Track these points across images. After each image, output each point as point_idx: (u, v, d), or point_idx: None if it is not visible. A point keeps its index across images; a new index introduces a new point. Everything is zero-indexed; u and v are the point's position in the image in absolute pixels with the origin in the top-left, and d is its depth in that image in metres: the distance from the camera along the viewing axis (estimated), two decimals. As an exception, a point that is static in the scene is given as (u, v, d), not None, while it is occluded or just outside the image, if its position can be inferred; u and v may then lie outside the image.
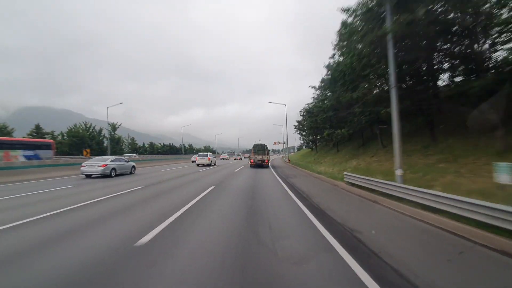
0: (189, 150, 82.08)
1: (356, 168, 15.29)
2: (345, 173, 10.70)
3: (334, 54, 20.80)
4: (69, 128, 48.72)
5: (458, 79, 11.55)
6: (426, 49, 10.36)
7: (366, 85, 14.70)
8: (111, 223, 5.23)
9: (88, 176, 15.16)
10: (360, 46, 10.72)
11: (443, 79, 12.40)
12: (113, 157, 16.78)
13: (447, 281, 2.79)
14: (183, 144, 72.32)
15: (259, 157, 23.77)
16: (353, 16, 9.99)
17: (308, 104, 35.27)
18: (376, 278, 2.80)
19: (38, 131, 42.04)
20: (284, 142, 61.31)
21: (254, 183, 11.69)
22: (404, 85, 12.56)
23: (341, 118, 22.00)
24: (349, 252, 3.50)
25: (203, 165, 27.70)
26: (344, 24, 11.73)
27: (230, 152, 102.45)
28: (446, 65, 11.61)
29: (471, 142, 9.68)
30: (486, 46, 9.66)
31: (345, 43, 12.31)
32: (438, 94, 11.95)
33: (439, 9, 8.88)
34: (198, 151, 77.20)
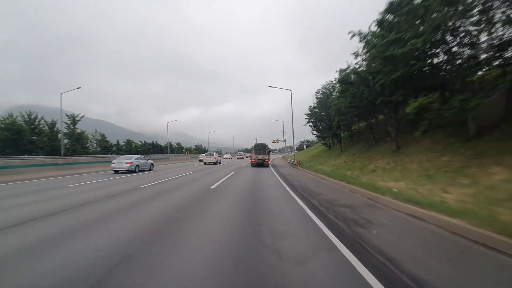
0: (177, 150, 73.00)
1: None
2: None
3: None
4: (2, 118, 36.05)
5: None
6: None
7: None
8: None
9: (116, 171, 17.30)
10: None
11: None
12: (137, 156, 19.81)
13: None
14: (170, 143, 65.26)
15: (260, 157, 24.49)
16: None
17: (341, 71, 19.32)
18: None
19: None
20: (285, 140, 58.41)
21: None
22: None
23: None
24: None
25: (209, 163, 29.83)
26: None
27: (227, 153, 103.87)
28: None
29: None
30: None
31: None
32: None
33: None
34: (188, 150, 73.88)
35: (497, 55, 8.76)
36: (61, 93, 29.63)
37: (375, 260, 3.20)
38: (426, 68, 11.29)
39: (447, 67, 10.80)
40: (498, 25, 8.48)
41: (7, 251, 3.45)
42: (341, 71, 19.16)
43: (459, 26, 9.27)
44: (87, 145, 46.78)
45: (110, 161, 18.74)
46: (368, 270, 2.95)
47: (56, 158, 22.51)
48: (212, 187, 9.51)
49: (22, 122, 37.14)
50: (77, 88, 32.42)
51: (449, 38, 9.96)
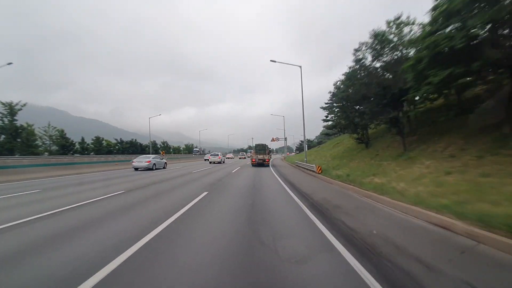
0: (164, 149, 65.82)
1: None
2: None
3: None
4: None
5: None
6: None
7: None
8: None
9: (136, 169, 20.49)
10: None
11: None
12: (153, 156, 22.99)
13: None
14: (153, 141, 60.13)
15: (260, 156, 25.47)
16: None
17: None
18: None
19: None
20: (286, 139, 54.72)
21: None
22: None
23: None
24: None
25: (215, 162, 33.09)
26: None
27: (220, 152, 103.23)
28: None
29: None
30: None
31: None
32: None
33: None
34: (175, 150, 69.50)
35: None
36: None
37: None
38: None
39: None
40: None
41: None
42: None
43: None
44: (36, 142, 38.06)
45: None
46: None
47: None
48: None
49: None
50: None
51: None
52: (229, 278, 2.80)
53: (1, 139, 32.60)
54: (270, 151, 29.93)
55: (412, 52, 12.77)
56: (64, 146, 41.49)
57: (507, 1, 7.34)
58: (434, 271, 3.01)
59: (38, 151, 36.74)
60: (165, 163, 23.52)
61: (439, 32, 9.16)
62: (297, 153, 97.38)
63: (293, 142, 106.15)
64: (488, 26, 8.25)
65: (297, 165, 23.45)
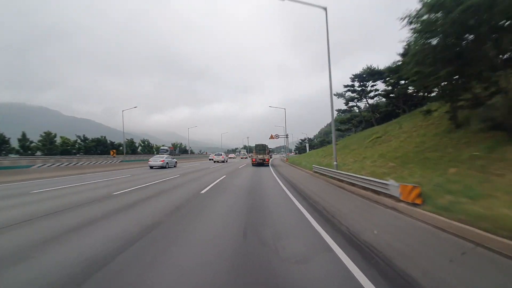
0: (146, 149, 60.69)
1: None
2: None
3: None
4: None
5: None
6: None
7: None
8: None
9: (151, 167, 23.47)
10: None
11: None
12: (166, 156, 26.54)
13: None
14: (130, 140, 55.69)
15: (260, 156, 26.84)
16: None
17: None
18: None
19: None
20: (287, 136, 42.84)
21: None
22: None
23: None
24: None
25: (218, 161, 37.14)
26: None
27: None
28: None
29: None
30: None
31: None
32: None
33: None
34: (158, 149, 63.18)
35: None
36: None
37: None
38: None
39: None
40: None
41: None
42: None
43: None
44: None
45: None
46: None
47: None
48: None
49: None
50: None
51: None
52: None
53: None
54: (270, 151, 31.82)
55: None
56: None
57: None
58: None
59: None
60: (176, 162, 27.29)
61: None
62: (297, 153, 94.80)
63: (291, 140, 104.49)
64: None
65: (315, 172, 15.57)
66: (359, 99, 42.51)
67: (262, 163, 26.45)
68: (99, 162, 22.60)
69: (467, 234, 4.06)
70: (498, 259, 3.38)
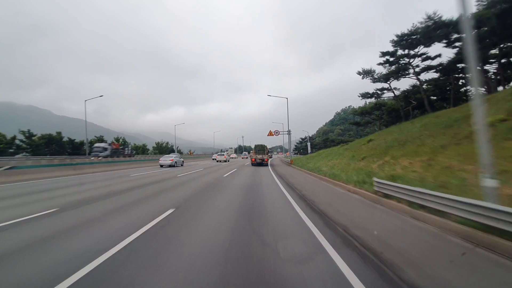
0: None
1: None
2: None
3: None
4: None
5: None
6: None
7: None
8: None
9: (161, 166, 26.66)
10: None
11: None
12: (174, 155, 30.05)
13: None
14: (99, 137, 51.83)
15: (259, 156, 28.51)
16: None
17: None
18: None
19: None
20: (289, 132, 34.21)
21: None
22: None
23: None
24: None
25: (221, 161, 40.62)
26: None
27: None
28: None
29: None
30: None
31: None
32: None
33: None
34: (136, 149, 59.87)
35: None
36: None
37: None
38: None
39: None
40: None
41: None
42: None
43: None
44: None
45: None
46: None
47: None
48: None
49: None
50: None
51: None
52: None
53: None
54: (268, 151, 34.25)
55: None
56: None
57: None
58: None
59: None
60: (183, 161, 31.39)
61: None
62: (296, 153, 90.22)
63: (293, 139, 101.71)
64: None
65: (385, 195, 7.29)
66: (400, 75, 31.26)
67: (261, 163, 27.96)
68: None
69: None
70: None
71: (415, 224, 5.14)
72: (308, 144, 63.28)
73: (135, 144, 64.26)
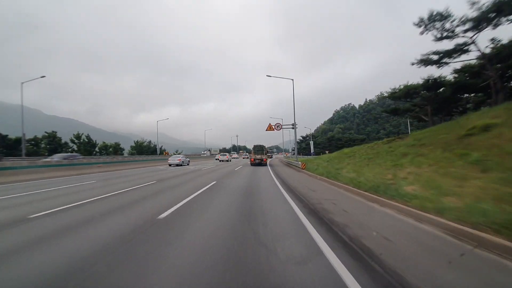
0: (83, 146, 48.98)
1: None
2: None
3: None
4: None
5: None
6: None
7: None
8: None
9: (170, 165, 30.51)
10: None
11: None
12: (182, 155, 36.30)
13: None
14: (53, 132, 45.71)
15: (258, 156, 30.25)
16: None
17: None
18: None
19: None
20: (295, 126, 28.35)
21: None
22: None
23: None
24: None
25: (223, 161, 44.85)
26: None
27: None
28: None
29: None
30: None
31: None
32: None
33: None
34: (104, 148, 55.33)
35: None
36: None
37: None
38: None
39: None
40: None
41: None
42: None
43: None
44: None
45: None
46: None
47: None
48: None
49: None
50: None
51: None
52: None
53: None
54: (267, 152, 37.21)
55: None
56: None
57: None
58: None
59: None
60: (189, 160, 35.41)
61: None
62: (293, 154, 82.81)
63: (287, 139, 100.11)
64: None
65: None
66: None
67: (260, 163, 29.79)
68: None
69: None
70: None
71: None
72: (311, 143, 57.86)
73: (104, 142, 57.65)
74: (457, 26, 20.73)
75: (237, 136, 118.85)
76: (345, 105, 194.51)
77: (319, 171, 16.14)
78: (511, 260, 3.48)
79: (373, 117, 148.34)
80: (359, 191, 8.79)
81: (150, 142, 70.06)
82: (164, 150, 74.86)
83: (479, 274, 3.22)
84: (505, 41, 20.70)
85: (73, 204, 7.37)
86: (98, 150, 53.97)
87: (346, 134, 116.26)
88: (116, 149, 58.30)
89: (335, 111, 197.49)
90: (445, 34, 21.60)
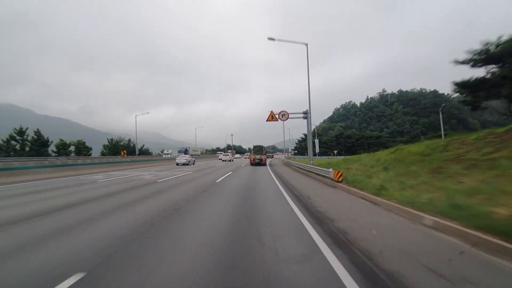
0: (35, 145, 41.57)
1: None
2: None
3: None
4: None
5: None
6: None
7: None
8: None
9: (177, 164, 33.91)
10: None
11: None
12: (188, 155, 40.20)
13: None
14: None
15: (258, 156, 31.98)
16: None
17: None
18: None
19: None
20: (307, 114, 21.84)
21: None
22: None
23: None
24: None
25: (226, 160, 48.07)
26: None
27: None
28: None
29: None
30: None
31: None
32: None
33: None
34: (63, 148, 45.01)
35: None
36: None
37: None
38: None
39: None
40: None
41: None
42: None
43: None
44: None
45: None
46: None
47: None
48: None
49: None
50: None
51: None
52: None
53: None
54: (267, 152, 39.62)
55: None
56: None
57: None
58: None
59: None
60: (194, 160, 39.87)
61: None
62: (296, 153, 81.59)
63: (287, 139, 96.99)
64: None
65: None
66: None
67: (259, 163, 31.42)
68: None
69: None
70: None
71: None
72: (316, 141, 51.22)
73: (61, 140, 47.05)
74: None
75: (232, 135, 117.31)
76: (346, 103, 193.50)
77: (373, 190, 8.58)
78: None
79: (376, 115, 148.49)
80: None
81: (129, 140, 61.21)
82: (147, 150, 67.68)
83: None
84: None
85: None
86: (56, 150, 44.46)
87: (353, 130, 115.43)
88: (79, 149, 47.85)
89: (335, 109, 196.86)
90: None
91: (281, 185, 12.41)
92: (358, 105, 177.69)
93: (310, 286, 3.04)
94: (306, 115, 21.81)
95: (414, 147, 14.82)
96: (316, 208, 7.16)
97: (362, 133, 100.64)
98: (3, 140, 39.73)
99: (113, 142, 57.84)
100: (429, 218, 5.33)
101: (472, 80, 18.23)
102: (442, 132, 47.05)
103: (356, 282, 3.06)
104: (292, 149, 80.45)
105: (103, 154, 53.96)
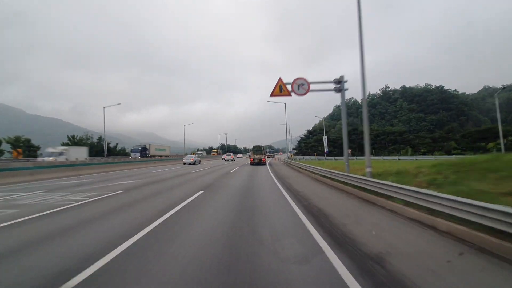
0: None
1: None
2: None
3: None
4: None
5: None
6: None
7: None
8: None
9: (184, 164, 37.49)
10: None
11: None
12: (194, 155, 47.23)
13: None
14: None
15: (257, 156, 33.56)
16: None
17: None
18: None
19: None
20: (342, 81, 12.93)
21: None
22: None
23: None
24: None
25: (228, 160, 53.26)
26: None
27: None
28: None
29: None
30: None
31: None
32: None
33: None
34: None
35: None
36: None
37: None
38: None
39: None
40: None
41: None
42: None
43: None
44: None
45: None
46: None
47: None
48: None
49: None
50: None
51: None
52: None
53: None
54: (266, 152, 42.23)
55: None
56: None
57: None
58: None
59: None
60: (200, 160, 44.67)
61: None
62: (296, 153, 74.32)
63: (287, 137, 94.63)
64: None
65: None
66: None
67: (259, 162, 32.99)
68: None
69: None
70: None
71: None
72: (324, 138, 47.74)
73: (4, 138, 40.29)
74: None
75: (226, 134, 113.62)
76: (346, 99, 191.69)
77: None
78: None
79: (379, 112, 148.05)
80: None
81: (100, 138, 51.08)
82: (123, 150, 60.26)
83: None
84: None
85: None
86: None
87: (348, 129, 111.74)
88: (19, 147, 36.06)
89: (335, 106, 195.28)
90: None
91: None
92: (360, 102, 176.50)
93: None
94: (340, 85, 13.07)
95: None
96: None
97: (382, 128, 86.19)
98: None
99: (76, 140, 47.72)
100: None
101: None
102: (500, 128, 36.79)
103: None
104: (292, 149, 76.22)
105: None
